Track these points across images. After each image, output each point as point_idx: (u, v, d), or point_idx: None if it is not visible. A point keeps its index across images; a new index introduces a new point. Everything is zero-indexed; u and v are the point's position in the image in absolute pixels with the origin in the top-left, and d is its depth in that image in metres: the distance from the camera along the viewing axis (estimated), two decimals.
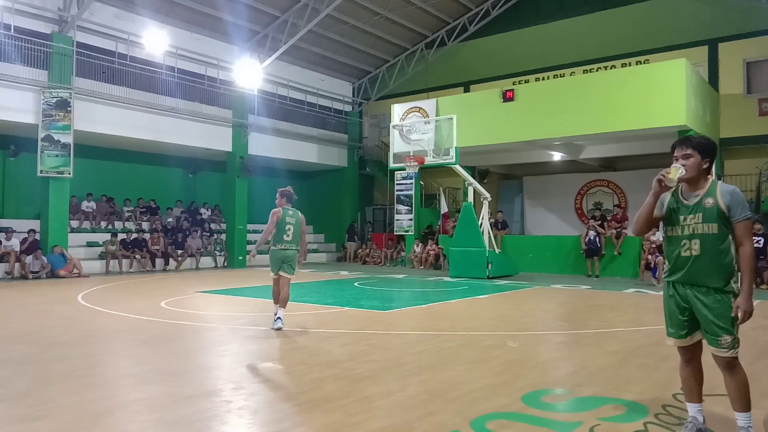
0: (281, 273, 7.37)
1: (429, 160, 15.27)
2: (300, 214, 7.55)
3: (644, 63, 17.34)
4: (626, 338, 6.73)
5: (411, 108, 18.14)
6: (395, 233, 21.29)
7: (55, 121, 15.05)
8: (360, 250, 22.42)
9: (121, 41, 17.07)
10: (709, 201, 3.23)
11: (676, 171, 3.23)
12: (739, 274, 3.28)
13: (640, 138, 15.68)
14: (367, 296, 11.19)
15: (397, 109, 18.31)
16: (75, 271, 15.09)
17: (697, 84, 15.07)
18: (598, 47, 19.49)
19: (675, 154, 3.34)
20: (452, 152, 15.06)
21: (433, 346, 6.27)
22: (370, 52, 23.36)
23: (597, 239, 15.73)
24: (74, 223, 17.13)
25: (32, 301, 10.39)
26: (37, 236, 15.32)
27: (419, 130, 16.30)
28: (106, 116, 16.18)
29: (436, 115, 17.01)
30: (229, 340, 6.84)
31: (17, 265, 14.58)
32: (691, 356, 3.45)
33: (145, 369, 5.21)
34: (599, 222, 16.45)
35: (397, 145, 16.86)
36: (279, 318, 7.17)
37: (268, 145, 20.64)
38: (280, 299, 7.31)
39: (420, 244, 19.65)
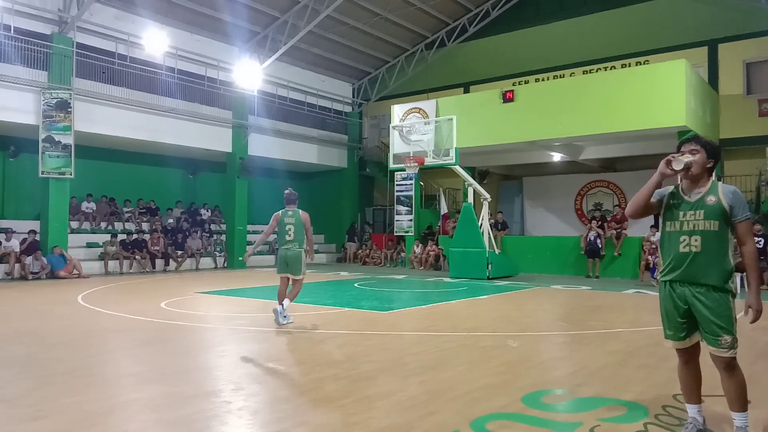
0: (289, 275, 7.52)
1: (429, 161, 15.27)
2: (301, 213, 7.61)
3: (644, 64, 17.34)
4: (626, 339, 6.72)
5: (411, 109, 18.14)
6: (395, 234, 21.29)
7: (56, 122, 15.05)
8: (360, 251, 22.41)
9: (121, 42, 17.07)
10: (712, 199, 3.24)
11: (685, 157, 3.26)
12: (739, 274, 3.28)
13: (640, 139, 15.68)
14: (368, 297, 11.19)
15: (397, 110, 18.31)
16: (75, 271, 15.08)
17: (697, 85, 15.07)
18: (598, 48, 19.49)
19: (682, 150, 3.35)
20: (452, 153, 15.05)
21: (434, 346, 6.27)
22: (369, 53, 23.37)
23: (597, 240, 15.73)
24: (74, 224, 17.12)
25: (32, 301, 10.39)
26: (37, 237, 15.30)
27: (419, 130, 16.29)
28: (106, 117, 16.18)
29: (436, 116, 17.01)
30: (228, 340, 6.84)
31: (17, 265, 14.57)
32: (690, 357, 3.45)
33: (145, 369, 5.21)
34: (599, 223, 16.46)
35: (397, 145, 16.86)
36: (281, 305, 7.31)
37: (268, 145, 20.64)
38: (289, 294, 7.47)
39: (420, 245, 19.66)
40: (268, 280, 14.05)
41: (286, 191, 7.77)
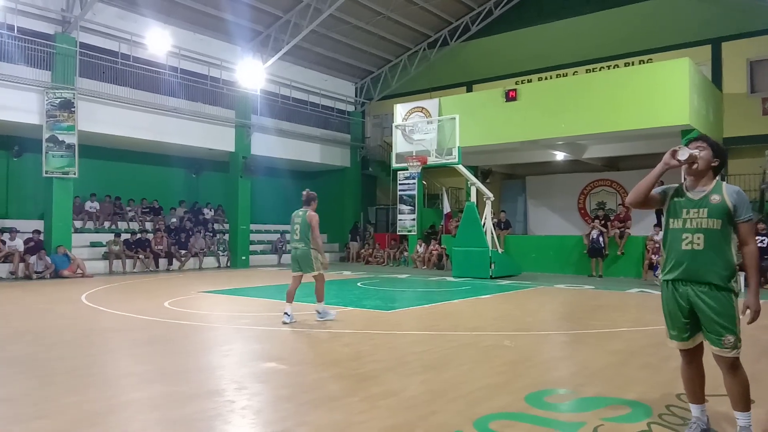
0: (303, 273, 7.71)
1: (432, 160, 15.24)
2: (309, 214, 7.72)
3: (647, 62, 17.29)
4: (629, 338, 6.71)
5: (413, 108, 18.12)
6: (398, 233, 21.27)
7: (59, 122, 15.09)
8: (363, 250, 22.41)
9: (124, 42, 17.10)
10: (716, 197, 3.23)
11: (690, 150, 3.25)
12: (742, 274, 3.27)
13: (643, 137, 15.64)
14: (370, 296, 11.19)
15: (400, 109, 18.31)
16: (78, 271, 15.12)
17: (701, 83, 15.02)
18: (601, 47, 19.45)
19: (689, 146, 3.34)
20: (455, 152, 15.03)
21: (436, 345, 6.26)
22: (372, 52, 23.36)
23: (600, 239, 15.69)
24: (78, 224, 17.16)
25: (35, 300, 10.41)
26: (41, 236, 15.35)
27: (422, 129, 16.28)
28: (109, 117, 16.20)
29: (439, 115, 17.00)
30: (232, 339, 6.84)
31: (21, 265, 14.61)
32: (693, 357, 3.43)
33: (147, 368, 5.21)
34: (602, 222, 16.41)
35: (399, 145, 16.85)
36: (317, 312, 7.70)
37: (270, 145, 20.66)
38: (316, 295, 7.72)
39: (423, 244, 19.65)
40: (272, 280, 14.07)
41: (303, 192, 7.95)
